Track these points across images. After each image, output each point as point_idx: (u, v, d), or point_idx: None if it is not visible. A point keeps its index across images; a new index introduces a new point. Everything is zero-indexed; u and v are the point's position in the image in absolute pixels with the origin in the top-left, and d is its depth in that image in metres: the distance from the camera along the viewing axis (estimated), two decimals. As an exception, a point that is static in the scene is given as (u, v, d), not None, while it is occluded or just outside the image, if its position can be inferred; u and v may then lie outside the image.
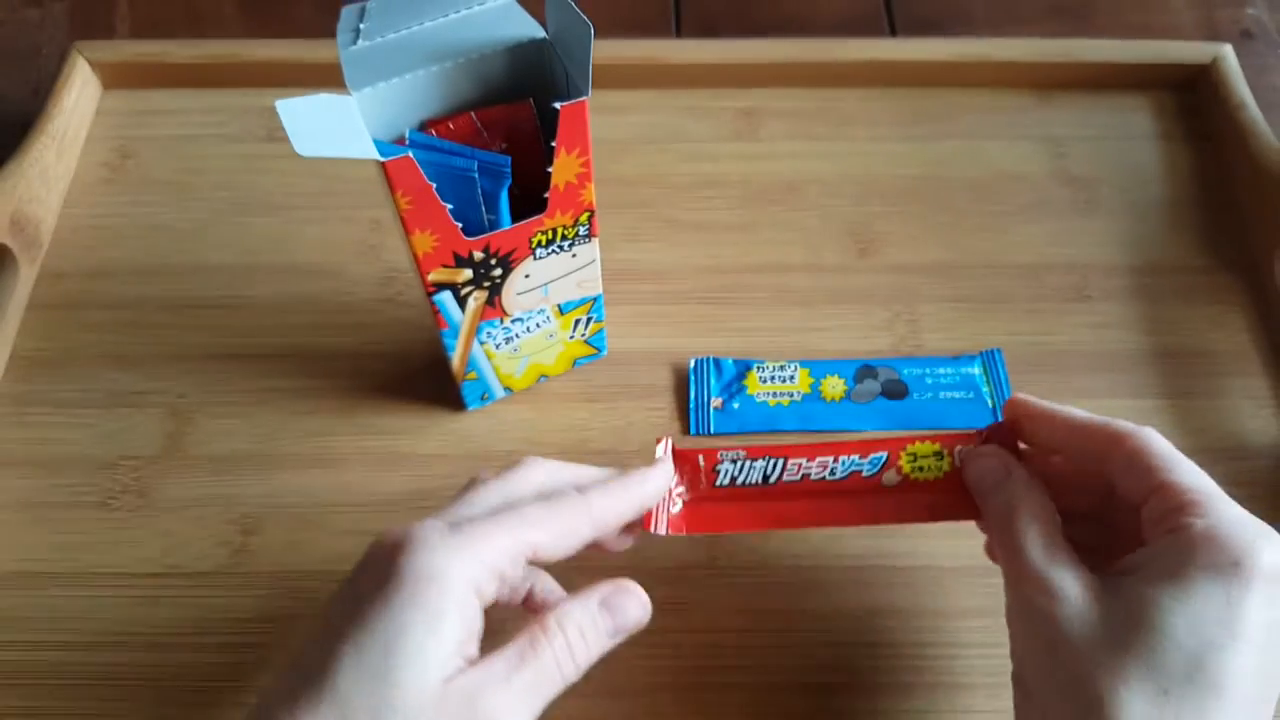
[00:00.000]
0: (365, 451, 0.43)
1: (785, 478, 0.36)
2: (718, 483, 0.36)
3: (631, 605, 0.31)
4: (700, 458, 0.36)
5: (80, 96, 0.52)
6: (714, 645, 0.38)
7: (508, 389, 0.44)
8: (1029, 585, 0.29)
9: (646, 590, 0.40)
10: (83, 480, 0.42)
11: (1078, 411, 0.32)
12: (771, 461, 0.36)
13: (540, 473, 0.32)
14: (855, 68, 0.54)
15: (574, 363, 0.45)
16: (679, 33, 0.60)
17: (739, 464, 0.36)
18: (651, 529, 0.37)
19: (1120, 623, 0.27)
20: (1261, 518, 0.41)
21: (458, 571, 0.27)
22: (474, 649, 0.27)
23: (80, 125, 0.52)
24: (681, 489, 0.36)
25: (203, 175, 0.52)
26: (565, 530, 0.30)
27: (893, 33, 0.60)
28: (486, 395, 0.44)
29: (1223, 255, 0.49)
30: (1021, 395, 0.33)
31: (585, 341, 0.43)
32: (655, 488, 0.34)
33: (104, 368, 0.45)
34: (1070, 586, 0.28)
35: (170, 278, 0.48)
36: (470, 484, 0.32)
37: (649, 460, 0.42)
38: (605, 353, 0.45)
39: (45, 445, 0.43)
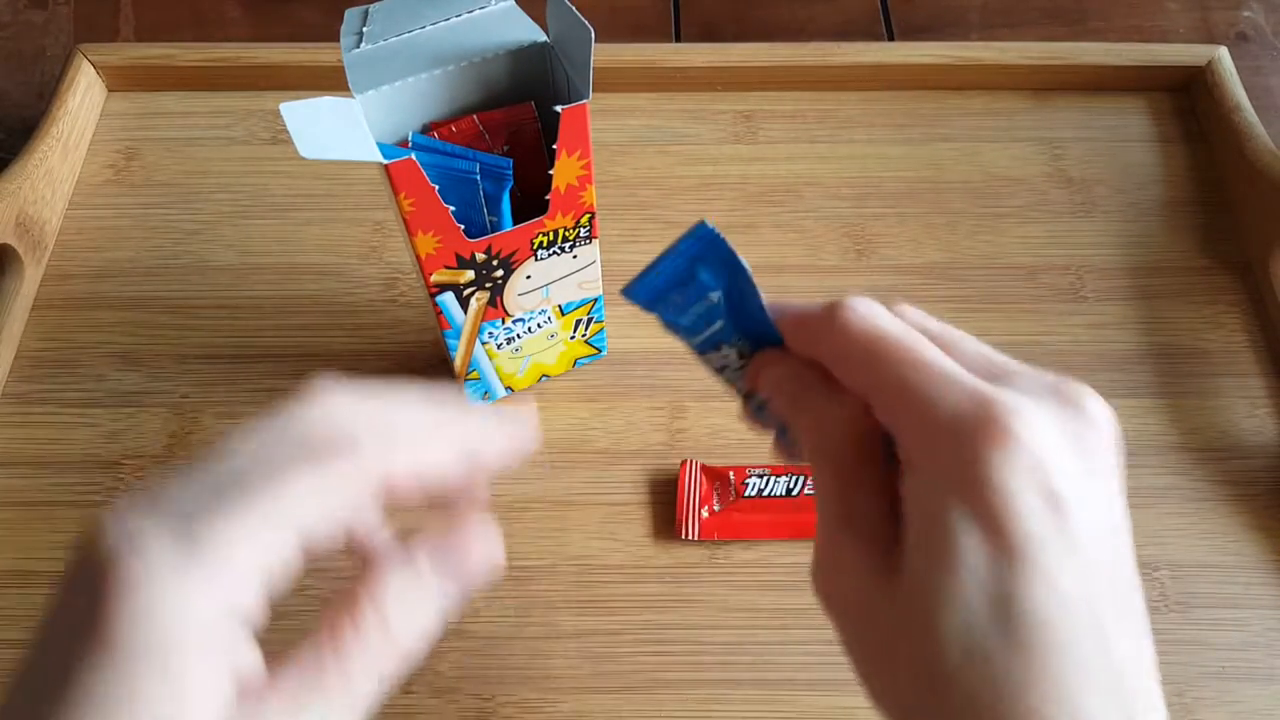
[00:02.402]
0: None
1: (806, 491, 0.41)
2: (746, 494, 0.41)
3: (472, 553, 0.23)
4: (731, 474, 0.41)
5: (85, 98, 0.53)
6: (714, 643, 0.39)
7: (509, 389, 0.44)
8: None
9: (646, 590, 0.40)
10: (87, 479, 0.43)
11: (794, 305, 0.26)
12: (793, 478, 0.41)
13: (321, 410, 0.21)
14: (853, 71, 0.54)
15: (575, 363, 0.45)
16: (679, 37, 0.61)
17: (765, 479, 0.41)
18: (683, 535, 0.40)
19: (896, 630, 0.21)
20: (1259, 518, 0.42)
21: (198, 615, 0.18)
22: (255, 679, 0.20)
23: (85, 127, 0.53)
24: (714, 500, 0.41)
25: (207, 177, 0.52)
26: (354, 501, 0.21)
27: (890, 37, 0.60)
28: (488, 395, 0.44)
29: (1219, 256, 0.49)
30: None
31: (586, 342, 0.44)
32: (503, 444, 0.24)
33: (108, 367, 0.46)
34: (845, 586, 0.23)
35: (174, 278, 0.48)
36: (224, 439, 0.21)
37: (649, 462, 0.43)
38: (605, 353, 0.46)
39: (49, 444, 0.44)
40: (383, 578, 0.22)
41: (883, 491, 0.23)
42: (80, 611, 0.18)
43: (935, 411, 0.21)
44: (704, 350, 0.26)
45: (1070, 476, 0.20)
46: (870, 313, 0.23)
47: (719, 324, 0.26)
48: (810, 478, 0.26)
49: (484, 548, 0.23)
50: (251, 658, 0.20)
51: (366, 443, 0.21)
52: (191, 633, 0.18)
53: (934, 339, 0.23)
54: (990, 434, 0.20)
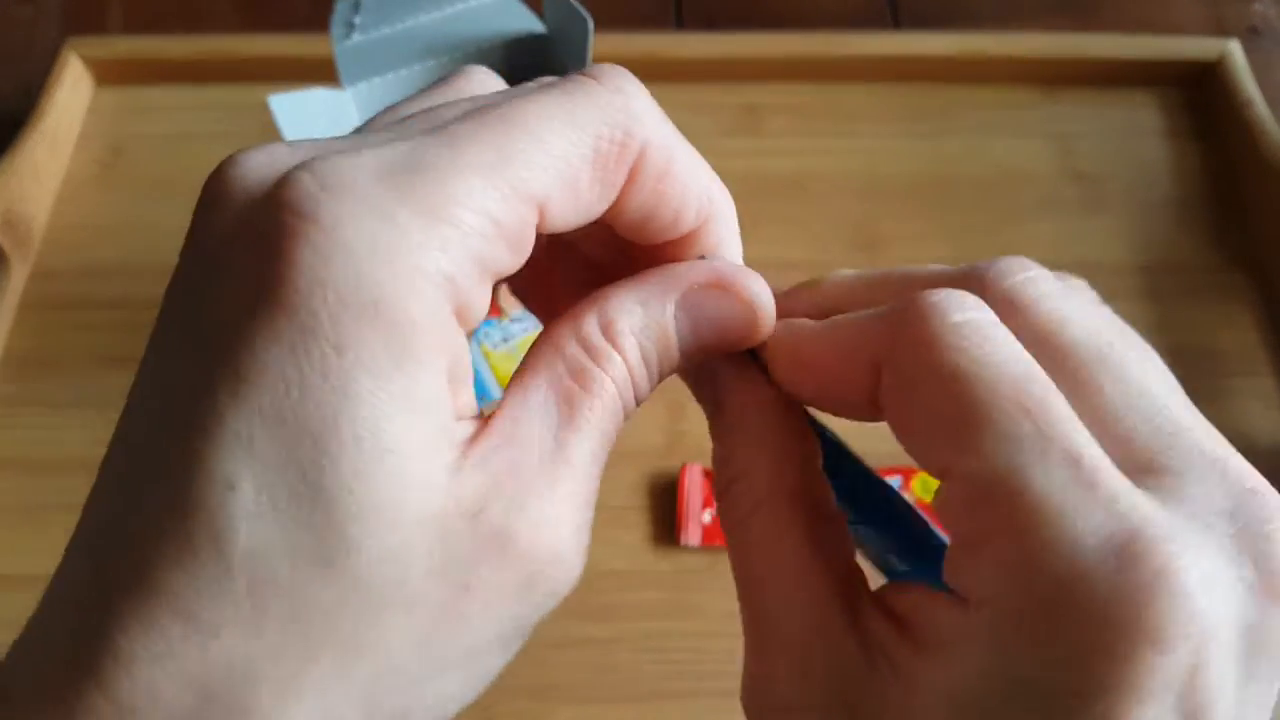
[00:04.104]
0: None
1: None
2: None
3: (726, 304, 0.17)
4: None
5: (72, 93, 0.52)
6: (717, 651, 0.38)
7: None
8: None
9: (646, 597, 0.39)
10: (76, 482, 0.42)
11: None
12: None
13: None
14: (859, 62, 0.53)
15: (573, 363, 0.44)
16: (680, 26, 0.59)
17: None
18: (684, 540, 0.39)
19: None
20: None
21: (419, 271, 0.13)
22: (466, 406, 0.15)
23: (73, 122, 0.52)
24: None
25: (196, 173, 0.50)
26: (600, 169, 0.15)
27: (896, 26, 0.59)
28: (484, 397, 0.43)
29: (1231, 253, 0.48)
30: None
31: (585, 341, 0.43)
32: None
33: (97, 367, 0.45)
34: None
35: (164, 276, 0.47)
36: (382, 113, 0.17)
37: (648, 465, 0.42)
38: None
39: (38, 446, 0.43)
40: (620, 303, 0.16)
41: (826, 592, 0.16)
42: (247, 270, 0.13)
43: (1050, 541, 0.13)
44: None
45: (1225, 693, 0.13)
46: (965, 328, 0.14)
47: None
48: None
49: (745, 304, 0.17)
50: (466, 362, 0.15)
51: (629, 84, 0.16)
52: (410, 304, 0.13)
53: (1072, 368, 0.14)
54: (1140, 623, 0.12)
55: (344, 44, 0.33)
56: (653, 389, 0.17)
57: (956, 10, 0.60)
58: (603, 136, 0.15)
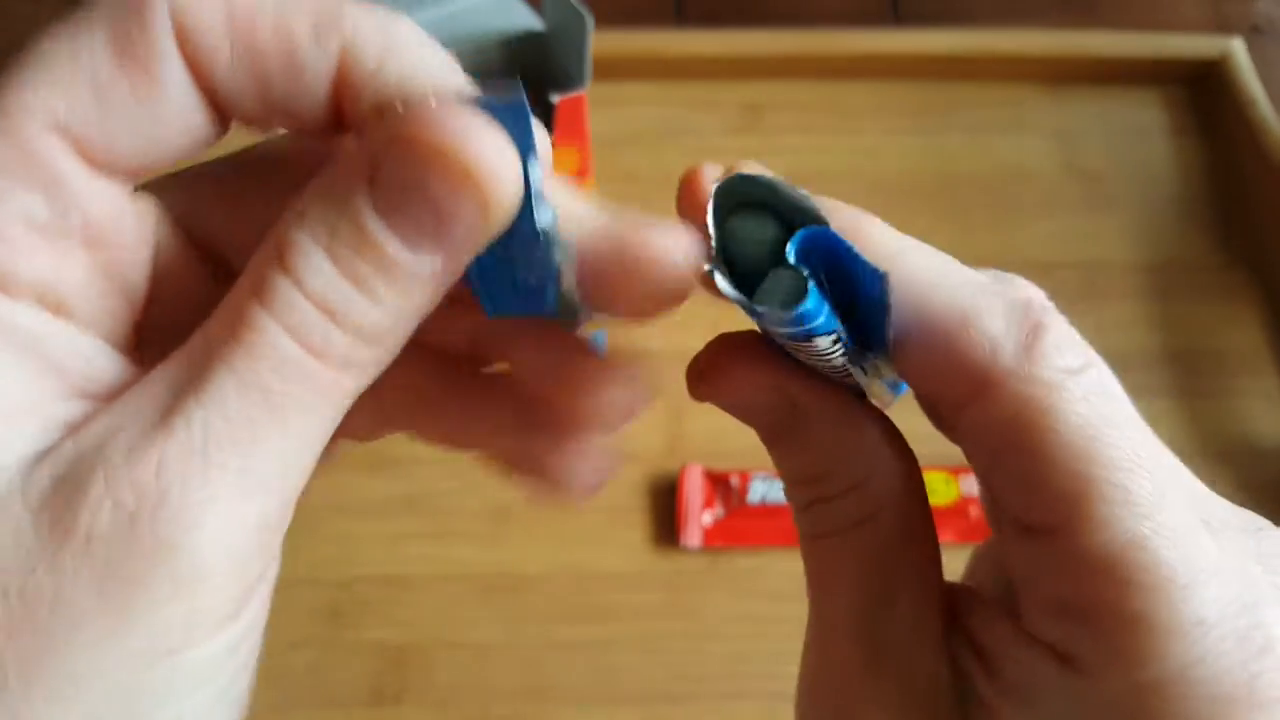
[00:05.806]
0: (356, 454, 0.42)
1: None
2: (749, 500, 0.40)
3: (431, 172, 0.11)
4: (734, 478, 0.40)
5: (70, 90, 0.51)
6: (716, 654, 0.38)
7: (505, 389, 0.43)
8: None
9: (646, 599, 0.39)
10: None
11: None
12: None
13: None
14: (861, 60, 0.53)
15: (573, 362, 0.44)
16: (681, 23, 0.59)
17: (769, 484, 0.40)
18: (684, 542, 0.38)
19: None
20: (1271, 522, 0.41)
21: None
22: (81, 381, 0.12)
23: (70, 119, 0.52)
24: (716, 507, 0.40)
25: (195, 170, 0.51)
26: (118, 49, 0.13)
27: (898, 24, 0.59)
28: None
29: (1234, 252, 0.48)
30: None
31: (584, 340, 0.43)
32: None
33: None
34: None
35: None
36: None
37: (649, 466, 0.41)
38: (605, 353, 0.44)
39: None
40: (292, 203, 0.12)
41: (934, 609, 0.15)
42: None
43: (1178, 622, 0.12)
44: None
45: None
46: (1086, 378, 0.14)
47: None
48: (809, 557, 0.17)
49: (480, 174, 0.12)
50: (59, 342, 0.12)
51: None
52: None
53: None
54: (1252, 695, 0.12)
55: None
56: (399, 326, 0.12)
57: (958, 7, 0.60)
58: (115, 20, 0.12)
